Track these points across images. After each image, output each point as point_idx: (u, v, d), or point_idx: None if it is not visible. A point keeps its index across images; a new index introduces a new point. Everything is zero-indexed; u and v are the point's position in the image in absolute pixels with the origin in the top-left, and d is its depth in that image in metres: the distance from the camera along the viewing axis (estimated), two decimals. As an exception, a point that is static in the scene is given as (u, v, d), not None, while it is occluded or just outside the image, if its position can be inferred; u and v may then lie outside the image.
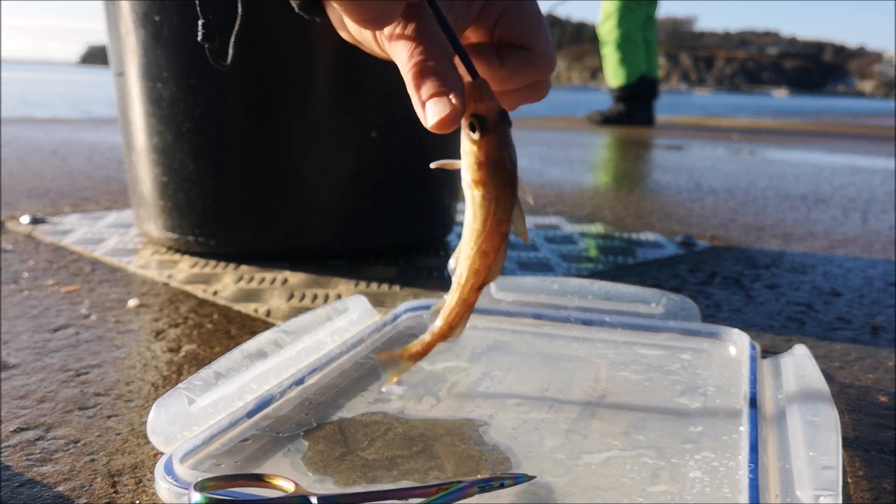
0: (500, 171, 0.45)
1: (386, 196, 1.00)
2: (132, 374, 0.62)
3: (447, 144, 1.07)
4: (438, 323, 0.51)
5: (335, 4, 0.41)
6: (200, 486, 0.36)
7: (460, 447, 0.46)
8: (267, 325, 0.76)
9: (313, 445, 0.46)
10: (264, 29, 0.89)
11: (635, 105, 4.18)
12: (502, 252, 0.49)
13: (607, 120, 4.23)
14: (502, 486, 0.40)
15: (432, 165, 0.49)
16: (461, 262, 0.50)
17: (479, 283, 0.50)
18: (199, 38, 0.83)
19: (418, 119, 0.43)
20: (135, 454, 0.49)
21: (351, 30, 0.46)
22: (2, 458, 0.48)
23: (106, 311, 0.79)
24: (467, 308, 0.51)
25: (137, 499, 0.44)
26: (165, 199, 0.98)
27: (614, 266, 1.06)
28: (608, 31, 4.11)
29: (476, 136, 0.44)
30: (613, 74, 4.18)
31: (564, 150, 2.79)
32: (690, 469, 0.44)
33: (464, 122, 0.44)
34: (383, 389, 0.54)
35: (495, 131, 0.44)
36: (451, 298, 0.51)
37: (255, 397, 0.50)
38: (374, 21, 0.41)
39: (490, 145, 0.45)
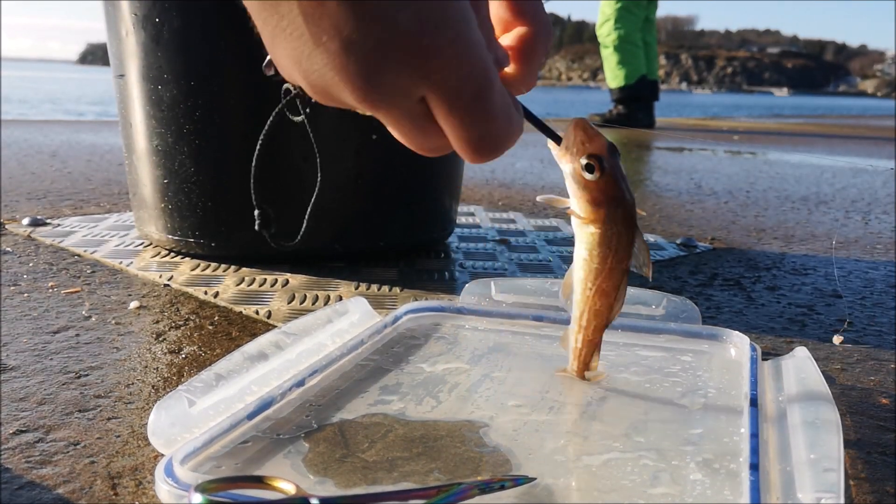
0: (620, 206, 0.46)
1: (386, 198, 1.00)
2: (132, 376, 0.62)
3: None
4: (574, 363, 0.54)
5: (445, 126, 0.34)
6: (201, 488, 0.36)
7: (461, 449, 0.46)
8: (267, 327, 0.76)
9: (314, 447, 0.46)
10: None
11: (635, 107, 4.17)
12: (623, 289, 0.50)
13: (607, 122, 4.23)
14: (503, 487, 0.40)
15: (539, 199, 0.49)
16: (578, 302, 0.51)
17: (602, 323, 0.51)
18: (256, 227, 0.89)
19: None
20: (135, 456, 0.49)
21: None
22: (1, 461, 0.48)
23: (106, 312, 0.79)
24: (594, 348, 0.53)
25: (137, 501, 0.44)
26: (166, 201, 0.98)
27: (615, 268, 1.05)
28: (607, 33, 4.11)
29: (594, 176, 0.44)
30: (612, 76, 4.17)
31: (565, 152, 2.78)
32: (691, 471, 0.44)
33: (577, 166, 0.44)
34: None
35: (612, 168, 0.44)
36: (572, 338, 0.53)
37: (255, 399, 0.50)
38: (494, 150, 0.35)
39: (609, 183, 0.45)
